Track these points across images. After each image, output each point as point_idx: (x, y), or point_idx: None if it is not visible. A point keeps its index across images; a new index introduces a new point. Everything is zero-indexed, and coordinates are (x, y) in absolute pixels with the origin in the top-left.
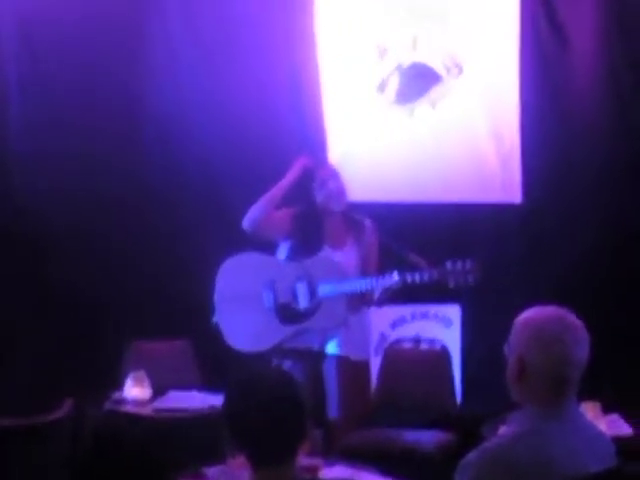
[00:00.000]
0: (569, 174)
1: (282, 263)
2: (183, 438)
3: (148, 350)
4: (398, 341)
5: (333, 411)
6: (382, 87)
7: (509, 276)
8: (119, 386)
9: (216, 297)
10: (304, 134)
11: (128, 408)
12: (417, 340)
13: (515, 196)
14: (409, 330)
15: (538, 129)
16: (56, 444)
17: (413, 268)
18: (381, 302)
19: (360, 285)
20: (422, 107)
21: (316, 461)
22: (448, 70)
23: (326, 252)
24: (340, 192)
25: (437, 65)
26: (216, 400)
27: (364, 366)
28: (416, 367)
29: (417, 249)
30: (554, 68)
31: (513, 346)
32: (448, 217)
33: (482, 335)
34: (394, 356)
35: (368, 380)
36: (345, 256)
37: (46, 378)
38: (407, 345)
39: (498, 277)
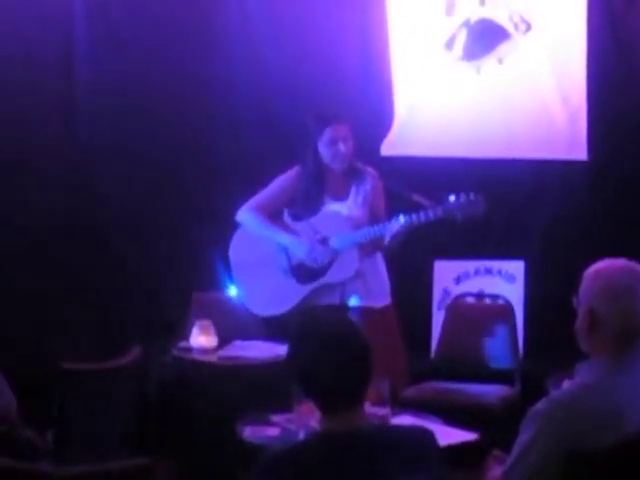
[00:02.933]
0: (636, 131)
1: (290, 225)
2: (248, 386)
3: (214, 302)
4: (461, 296)
5: None
6: (449, 43)
7: (573, 232)
8: (186, 336)
9: (232, 269)
10: (371, 90)
11: (194, 356)
12: (480, 295)
13: (581, 153)
14: (473, 285)
15: (605, 86)
16: (124, 389)
17: (419, 209)
18: (393, 249)
19: (368, 234)
20: (489, 64)
21: (385, 410)
22: (516, 26)
23: (329, 205)
24: (347, 155)
25: (505, 21)
26: (281, 350)
27: (388, 310)
28: (479, 322)
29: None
30: (622, 25)
31: (583, 297)
32: (514, 173)
33: (545, 291)
34: (457, 311)
35: (395, 324)
36: (349, 206)
37: (114, 326)
38: (470, 300)
39: (563, 233)
